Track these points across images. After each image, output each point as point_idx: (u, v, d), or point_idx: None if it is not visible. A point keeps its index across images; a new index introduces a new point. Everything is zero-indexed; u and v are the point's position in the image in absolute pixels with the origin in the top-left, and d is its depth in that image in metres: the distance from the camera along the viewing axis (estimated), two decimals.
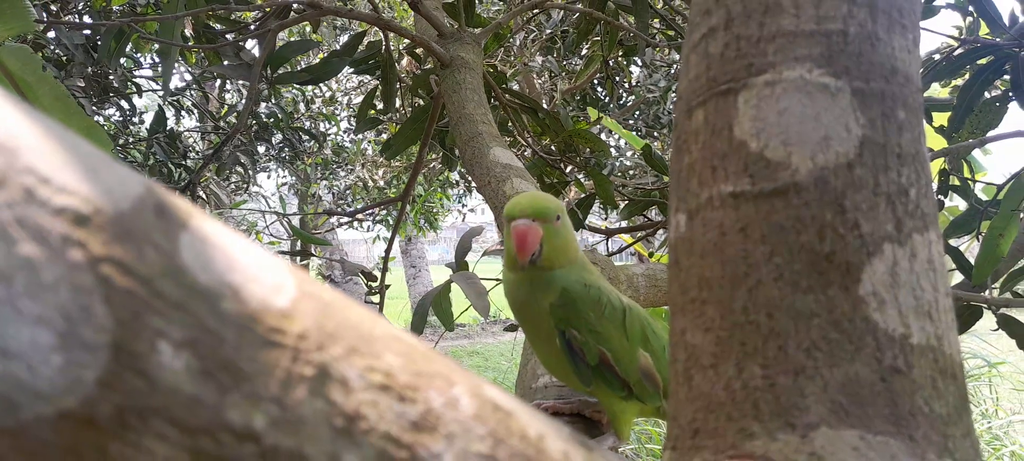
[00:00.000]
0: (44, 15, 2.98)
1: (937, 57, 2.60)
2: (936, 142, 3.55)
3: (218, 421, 0.27)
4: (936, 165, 3.17)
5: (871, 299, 0.47)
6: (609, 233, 3.38)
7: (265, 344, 0.29)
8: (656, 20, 4.06)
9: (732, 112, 0.54)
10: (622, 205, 3.37)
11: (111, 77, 3.39)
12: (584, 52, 4.90)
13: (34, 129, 0.28)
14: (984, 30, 2.61)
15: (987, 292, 2.31)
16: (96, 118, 4.15)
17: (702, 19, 0.59)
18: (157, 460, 0.26)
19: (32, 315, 0.25)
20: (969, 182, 2.79)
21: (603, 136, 5.85)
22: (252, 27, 2.41)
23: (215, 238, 0.30)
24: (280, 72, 2.38)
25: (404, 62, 5.10)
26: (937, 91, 3.46)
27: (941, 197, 2.85)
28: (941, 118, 2.65)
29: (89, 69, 3.23)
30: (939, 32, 2.65)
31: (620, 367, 0.99)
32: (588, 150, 3.02)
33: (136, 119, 4.30)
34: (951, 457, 0.45)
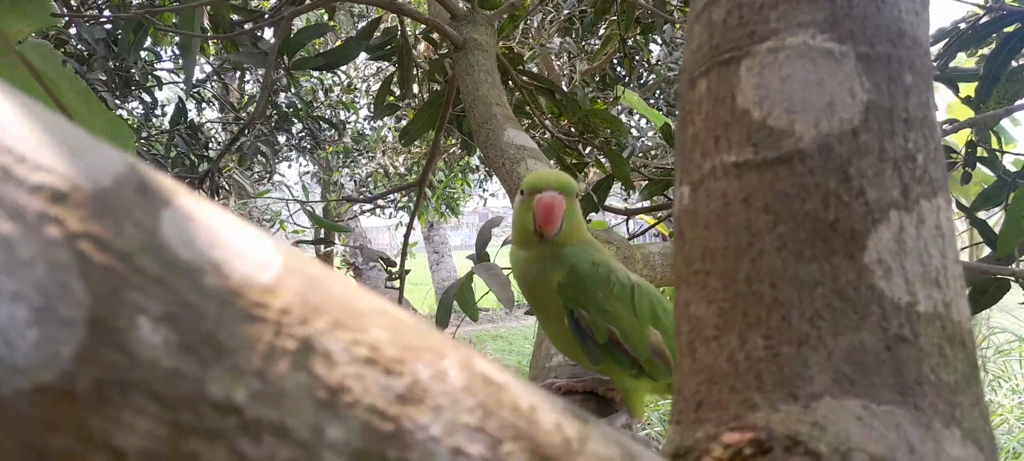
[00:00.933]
0: (64, 10, 3.01)
1: (963, 26, 2.55)
2: (963, 113, 3.48)
3: (198, 394, 0.27)
4: (963, 136, 3.11)
5: (876, 267, 0.46)
6: (629, 213, 3.37)
7: (247, 318, 0.29)
8: None
9: (735, 81, 0.53)
10: (643, 185, 3.35)
11: (132, 71, 3.43)
12: (602, 32, 4.86)
13: (12, 110, 0.28)
14: None
15: (1015, 265, 2.27)
16: (119, 112, 4.20)
17: None
18: (137, 433, 0.26)
19: (8, 291, 0.25)
20: (997, 153, 2.73)
21: (624, 116, 5.81)
22: (267, 16, 2.42)
23: (199, 215, 0.30)
24: (296, 58, 2.39)
25: (422, 48, 5.10)
26: (963, 60, 3.39)
27: (968, 168, 2.80)
28: (968, 88, 2.59)
29: (110, 63, 3.27)
30: (965, 0, 2.60)
31: (630, 345, 0.98)
32: (608, 131, 2.99)
33: (158, 112, 4.34)
34: (958, 426, 0.44)
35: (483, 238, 1.77)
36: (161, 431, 0.27)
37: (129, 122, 4.17)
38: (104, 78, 3.32)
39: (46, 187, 0.26)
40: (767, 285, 0.47)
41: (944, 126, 2.78)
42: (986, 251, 2.63)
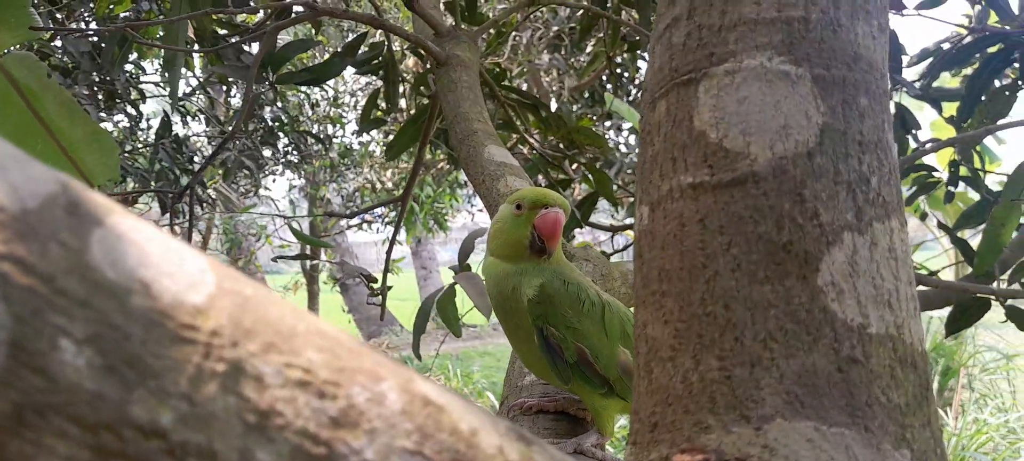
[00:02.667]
0: (49, 23, 3.00)
1: (946, 46, 2.58)
2: (947, 132, 3.51)
3: (122, 417, 0.27)
4: (946, 155, 3.13)
5: (829, 289, 0.47)
6: (615, 230, 3.37)
7: (175, 340, 0.29)
8: None
9: (693, 102, 0.53)
10: (630, 201, 3.35)
11: (116, 84, 3.42)
12: (589, 49, 4.89)
13: None
14: (993, 18, 2.58)
15: (996, 283, 2.28)
16: (104, 125, 4.19)
17: (667, 9, 0.59)
18: (58, 457, 0.26)
19: None
20: (979, 173, 2.76)
21: (612, 132, 5.84)
22: (250, 29, 2.42)
23: (131, 234, 0.30)
24: (281, 72, 2.39)
25: (410, 62, 5.11)
26: (947, 80, 3.42)
27: (951, 187, 2.82)
28: (951, 107, 2.62)
29: (95, 76, 3.26)
30: (948, 21, 2.62)
31: (599, 364, 0.98)
32: (594, 149, 3.00)
33: (144, 125, 4.33)
34: (908, 447, 0.44)
35: (466, 248, 1.77)
36: (83, 455, 0.26)
37: (114, 135, 4.15)
38: (86, 92, 3.31)
39: None
40: (721, 306, 0.47)
41: (927, 145, 2.81)
42: (969, 270, 2.64)
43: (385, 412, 0.32)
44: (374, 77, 3.32)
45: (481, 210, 10.48)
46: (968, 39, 2.51)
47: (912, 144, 2.66)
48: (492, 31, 2.63)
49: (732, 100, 0.51)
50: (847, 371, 0.45)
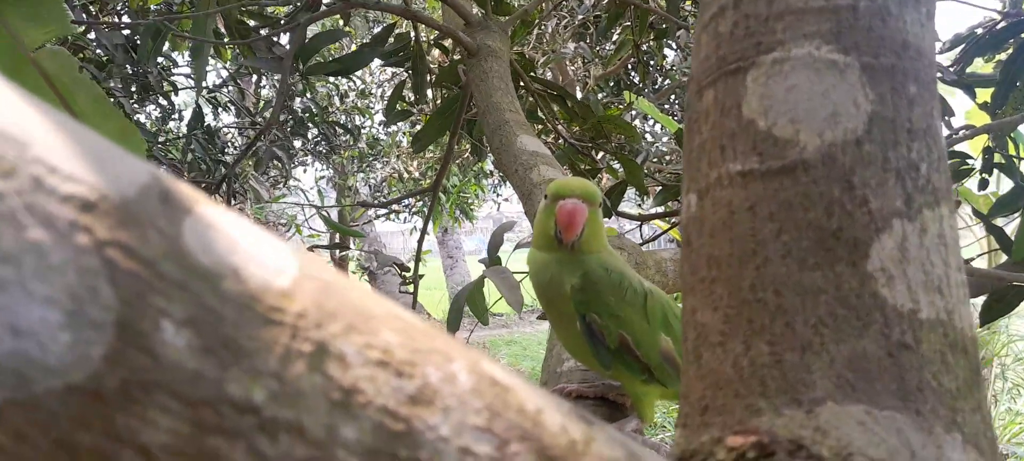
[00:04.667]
0: (83, 16, 3.06)
1: (980, 31, 2.54)
2: (981, 119, 3.45)
3: (219, 394, 0.28)
4: (980, 142, 3.09)
5: (879, 275, 0.47)
6: (643, 219, 3.37)
7: (265, 322, 0.30)
8: (689, 2, 4.01)
9: (741, 91, 0.54)
10: (657, 191, 3.35)
11: (149, 76, 3.47)
12: (616, 37, 4.87)
13: (44, 122, 0.29)
14: None
15: None
16: (138, 116, 4.26)
17: None
18: (161, 431, 0.28)
19: (41, 295, 0.26)
20: (1014, 159, 2.72)
21: (638, 122, 5.81)
22: (282, 22, 2.45)
23: (218, 223, 0.32)
24: (311, 63, 2.42)
25: (436, 53, 5.12)
26: (980, 66, 3.37)
27: (985, 175, 2.78)
28: (984, 94, 2.58)
29: (128, 69, 3.31)
30: (981, 6, 2.59)
31: (641, 351, 0.99)
32: (621, 137, 3.00)
33: (176, 116, 4.39)
34: (960, 431, 0.45)
35: (495, 242, 1.79)
36: (184, 429, 0.28)
37: (147, 126, 4.22)
38: (120, 85, 3.36)
39: (76, 197, 0.28)
40: (771, 292, 0.48)
41: (961, 132, 2.77)
42: (1004, 258, 2.61)
43: (457, 391, 0.34)
44: (400, 69, 3.34)
45: (507, 199, 10.50)
46: (1002, 24, 2.47)
47: (945, 131, 2.63)
48: (519, 21, 2.63)
49: (780, 88, 0.52)
50: (898, 356, 0.45)
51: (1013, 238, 2.14)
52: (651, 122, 5.91)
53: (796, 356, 0.46)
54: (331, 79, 5.62)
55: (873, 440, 0.43)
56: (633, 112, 5.10)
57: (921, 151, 0.50)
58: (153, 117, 4.42)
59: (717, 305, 0.51)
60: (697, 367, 0.52)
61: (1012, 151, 2.77)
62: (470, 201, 8.69)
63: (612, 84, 5.39)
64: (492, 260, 1.78)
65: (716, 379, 0.50)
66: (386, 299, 0.36)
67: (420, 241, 2.70)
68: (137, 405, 0.27)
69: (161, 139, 4.04)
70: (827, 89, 0.51)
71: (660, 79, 5.59)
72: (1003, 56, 2.63)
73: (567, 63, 6.08)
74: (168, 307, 0.28)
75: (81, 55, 3.43)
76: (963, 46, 2.57)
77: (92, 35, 3.35)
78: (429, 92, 3.04)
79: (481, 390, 0.35)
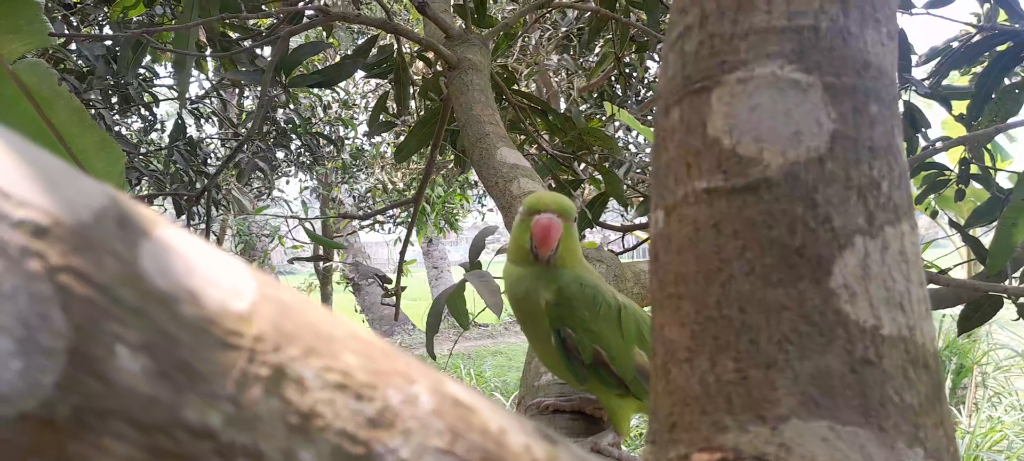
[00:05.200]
0: (64, 28, 3.04)
1: (955, 44, 2.58)
2: (957, 130, 3.50)
3: (174, 420, 0.28)
4: (956, 153, 3.12)
5: (842, 291, 0.48)
6: (625, 230, 3.38)
7: (222, 346, 0.30)
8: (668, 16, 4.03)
9: (706, 110, 0.54)
10: (640, 202, 3.36)
11: (130, 88, 3.45)
12: (598, 50, 4.90)
13: None
14: (1003, 17, 2.58)
15: (1008, 281, 2.28)
16: (119, 128, 4.23)
17: (679, 17, 0.60)
18: (115, 458, 0.28)
19: None
20: (990, 170, 2.75)
21: (621, 133, 5.84)
22: (264, 33, 2.44)
23: (177, 245, 0.32)
24: (293, 75, 2.42)
25: (419, 65, 5.13)
26: (956, 79, 3.41)
27: (961, 186, 2.82)
28: (960, 106, 2.62)
29: (109, 80, 3.29)
30: (957, 20, 2.62)
31: (615, 365, 1.00)
32: (603, 149, 3.01)
33: (158, 128, 4.37)
34: (922, 446, 0.45)
35: (477, 246, 1.79)
36: (139, 455, 0.28)
37: (128, 137, 4.19)
38: (101, 96, 3.34)
39: (28, 222, 0.28)
40: (736, 309, 0.49)
41: (937, 143, 2.81)
42: (981, 268, 2.64)
43: (418, 413, 0.34)
44: (383, 80, 3.35)
45: (491, 210, 10.51)
46: (977, 37, 2.51)
47: (922, 142, 2.67)
48: (501, 33, 2.64)
49: (744, 107, 0.53)
50: (861, 372, 0.46)
51: (989, 247, 2.16)
52: (634, 133, 5.94)
53: (761, 373, 0.47)
54: (314, 90, 5.61)
55: (836, 456, 0.44)
56: (616, 124, 5.13)
57: (882, 169, 0.51)
58: (135, 128, 4.39)
59: (684, 321, 0.51)
60: (665, 383, 0.52)
61: (988, 162, 2.80)
62: (455, 212, 8.69)
63: (596, 96, 5.42)
64: (473, 264, 1.78)
65: (683, 395, 0.50)
66: (346, 319, 0.36)
67: (403, 251, 2.70)
68: (91, 432, 0.27)
69: (143, 150, 4.01)
70: (790, 108, 0.51)
71: (642, 91, 5.62)
72: (978, 69, 2.67)
73: (551, 75, 6.11)
74: (123, 332, 0.28)
75: (61, 66, 3.41)
76: (939, 59, 2.61)
77: (73, 46, 3.33)
78: (413, 103, 3.04)
79: (443, 411, 0.35)
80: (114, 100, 3.59)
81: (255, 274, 0.34)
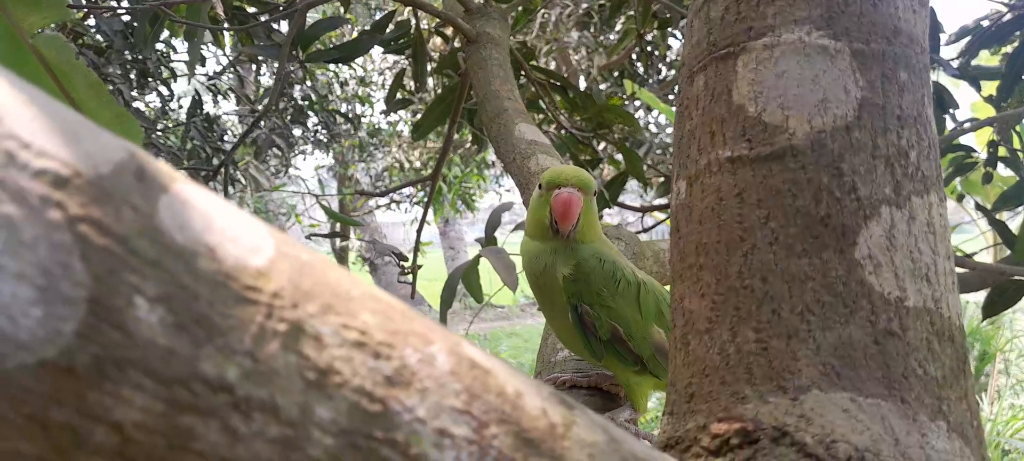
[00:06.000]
0: (82, 2, 3.05)
1: (986, 23, 2.52)
2: (985, 111, 3.44)
3: (192, 372, 0.28)
4: (984, 135, 3.07)
5: (867, 262, 0.47)
6: (644, 210, 3.36)
7: (239, 300, 0.30)
8: None
9: (731, 76, 0.53)
10: (660, 182, 3.34)
11: (148, 62, 3.46)
12: (619, 27, 4.85)
13: (19, 97, 0.29)
14: None
15: None
16: (137, 104, 4.25)
17: None
18: (135, 408, 0.28)
19: (12, 271, 0.26)
20: (1019, 153, 2.71)
21: (641, 113, 5.80)
22: (281, 8, 2.44)
23: (195, 201, 0.32)
24: (310, 51, 2.41)
25: (437, 41, 5.11)
26: (986, 59, 3.35)
27: (990, 168, 2.77)
28: (990, 86, 2.57)
29: (127, 55, 3.30)
30: None
31: (633, 342, 0.99)
32: (624, 127, 2.99)
33: (175, 104, 4.38)
34: (945, 419, 0.44)
35: (493, 222, 1.79)
36: (157, 407, 0.28)
37: (146, 114, 4.21)
38: (119, 72, 3.36)
39: (49, 172, 0.28)
40: (758, 279, 0.48)
41: (965, 124, 2.76)
42: (1007, 253, 2.60)
43: (435, 373, 0.34)
44: (401, 56, 3.34)
45: (508, 190, 10.49)
46: (1008, 16, 2.46)
47: (949, 124, 2.62)
48: (520, 8, 2.62)
49: (770, 74, 0.52)
50: (884, 343, 0.45)
51: (1017, 232, 2.13)
52: (654, 113, 5.89)
53: (782, 343, 0.46)
54: (331, 66, 5.61)
55: (857, 427, 0.43)
56: (637, 103, 5.09)
57: (911, 138, 0.50)
58: (153, 107, 4.41)
59: (705, 292, 0.51)
60: (684, 354, 0.52)
61: (1017, 145, 2.75)
62: (472, 192, 8.69)
63: (616, 74, 5.37)
64: (489, 240, 1.78)
65: (703, 366, 0.50)
66: (361, 280, 0.35)
67: (419, 230, 2.70)
68: (110, 382, 0.27)
69: (160, 127, 4.03)
70: (817, 75, 0.50)
71: (664, 69, 5.56)
72: (1009, 49, 2.61)
73: (570, 53, 6.07)
74: (141, 284, 0.28)
75: (80, 41, 3.43)
76: (969, 38, 2.56)
77: (91, 21, 3.34)
78: (430, 80, 3.03)
79: (460, 372, 0.35)
80: (131, 75, 3.60)
81: (274, 233, 0.34)
